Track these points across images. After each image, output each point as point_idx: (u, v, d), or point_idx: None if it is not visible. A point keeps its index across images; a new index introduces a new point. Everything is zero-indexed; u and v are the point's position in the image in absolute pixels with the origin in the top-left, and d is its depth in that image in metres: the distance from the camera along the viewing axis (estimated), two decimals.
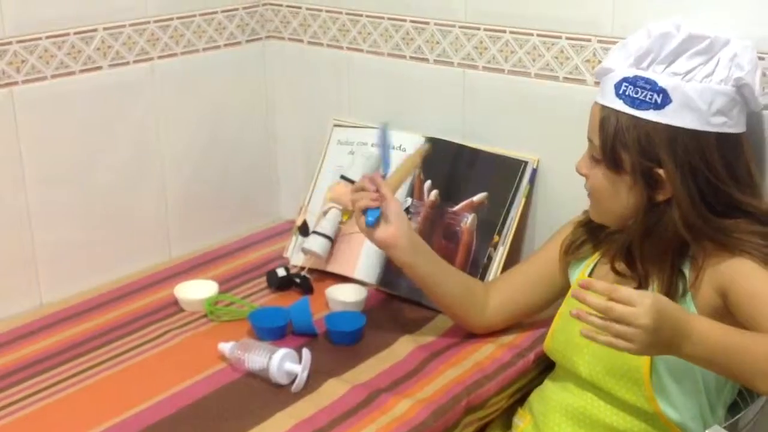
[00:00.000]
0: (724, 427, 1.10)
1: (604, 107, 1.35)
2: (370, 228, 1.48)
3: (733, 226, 1.29)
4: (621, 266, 1.37)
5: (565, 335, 1.45)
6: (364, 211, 1.48)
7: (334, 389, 1.41)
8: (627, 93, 1.31)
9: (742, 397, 1.37)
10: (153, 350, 1.55)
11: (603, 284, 1.16)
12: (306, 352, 1.44)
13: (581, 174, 1.41)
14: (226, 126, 2.04)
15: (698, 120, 1.29)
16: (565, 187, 1.64)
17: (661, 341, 1.12)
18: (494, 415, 1.50)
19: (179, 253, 1.96)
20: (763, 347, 1.15)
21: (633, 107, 1.31)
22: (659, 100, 1.29)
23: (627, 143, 1.31)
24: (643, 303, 1.11)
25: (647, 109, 1.30)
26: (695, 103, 1.28)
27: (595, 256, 1.48)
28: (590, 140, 1.38)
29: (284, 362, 1.42)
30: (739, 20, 1.40)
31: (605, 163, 1.34)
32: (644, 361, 1.32)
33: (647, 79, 1.31)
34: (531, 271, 1.56)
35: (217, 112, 2.01)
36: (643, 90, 1.30)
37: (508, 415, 1.54)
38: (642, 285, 1.35)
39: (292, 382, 1.42)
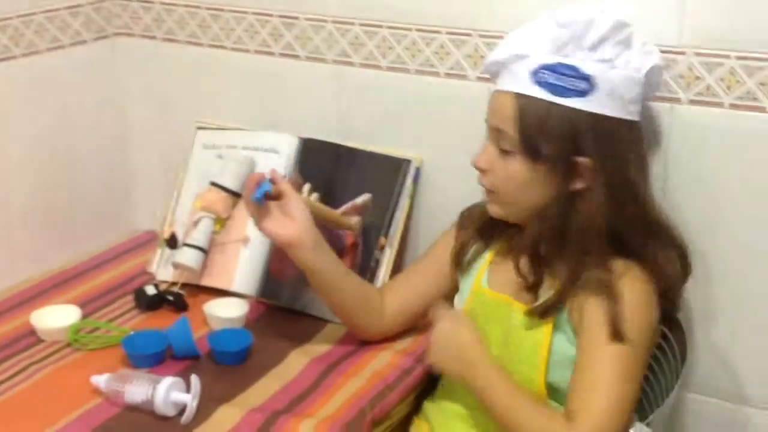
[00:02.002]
0: (646, 423, 1.09)
1: (519, 95, 1.27)
2: (257, 204, 1.36)
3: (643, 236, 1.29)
4: (525, 264, 1.33)
5: None
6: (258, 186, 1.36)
7: (227, 417, 1.30)
8: (547, 80, 1.26)
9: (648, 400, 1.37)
10: (14, 388, 1.38)
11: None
12: (195, 379, 1.32)
13: (481, 169, 1.33)
14: (75, 131, 1.87)
15: (619, 108, 1.27)
16: (451, 185, 1.60)
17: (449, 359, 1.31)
18: (393, 426, 1.43)
19: (27, 274, 1.77)
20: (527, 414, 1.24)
21: (555, 94, 1.26)
22: (583, 87, 1.26)
23: (549, 132, 1.26)
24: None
25: (570, 97, 1.26)
26: (618, 90, 1.26)
27: (488, 258, 1.43)
28: (499, 131, 1.29)
29: (171, 392, 1.30)
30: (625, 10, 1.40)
31: (524, 153, 1.28)
32: (540, 369, 1.30)
33: (571, 66, 1.26)
34: (424, 272, 1.51)
35: (64, 118, 1.84)
36: (565, 77, 1.26)
37: (402, 424, 1.48)
38: (535, 287, 1.33)
39: (180, 413, 1.30)
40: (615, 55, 1.28)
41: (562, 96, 1.26)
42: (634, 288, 1.26)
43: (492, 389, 1.27)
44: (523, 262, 1.33)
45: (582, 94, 1.26)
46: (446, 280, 1.49)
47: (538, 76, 1.27)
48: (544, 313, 1.29)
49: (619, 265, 1.27)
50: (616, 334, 1.22)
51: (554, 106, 1.26)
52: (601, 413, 1.19)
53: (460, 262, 1.45)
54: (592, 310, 1.25)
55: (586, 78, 1.26)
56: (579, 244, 1.27)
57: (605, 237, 1.27)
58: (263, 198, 1.36)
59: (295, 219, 1.37)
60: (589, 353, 1.24)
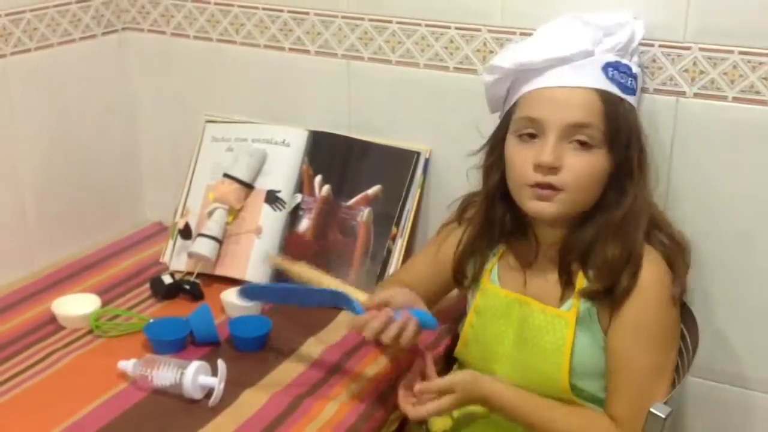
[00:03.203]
0: (665, 403, 1.15)
1: (600, 90, 1.28)
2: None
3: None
4: (573, 267, 1.33)
5: (480, 345, 1.43)
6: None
7: (254, 399, 1.34)
8: (615, 77, 1.30)
9: None
10: (41, 374, 1.41)
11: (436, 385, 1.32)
12: (221, 363, 1.36)
13: (553, 167, 1.26)
14: (85, 124, 1.89)
15: (637, 105, 1.35)
16: (458, 176, 1.64)
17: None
18: None
19: (43, 263, 1.80)
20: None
21: (622, 91, 1.30)
22: (633, 86, 1.33)
23: (624, 127, 1.29)
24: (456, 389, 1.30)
25: (630, 95, 1.32)
26: (639, 89, 1.34)
27: (498, 255, 1.43)
28: (582, 125, 1.26)
29: (198, 376, 1.34)
30: (629, 7, 1.45)
31: (606, 147, 1.27)
32: (564, 368, 1.32)
33: (626, 64, 1.32)
34: (429, 262, 1.51)
35: (75, 111, 1.86)
36: (625, 75, 1.31)
37: None
38: (568, 287, 1.34)
39: (207, 396, 1.34)
40: (639, 60, 1.37)
41: (625, 93, 1.31)
42: (663, 287, 1.29)
43: (524, 407, 1.31)
44: (574, 265, 1.33)
45: (633, 92, 1.33)
46: (449, 276, 1.48)
47: (608, 72, 1.30)
48: (590, 295, 1.31)
49: (650, 261, 1.30)
50: (654, 339, 1.27)
51: (623, 102, 1.30)
52: (644, 416, 1.22)
53: (462, 282, 1.46)
54: (627, 313, 1.28)
55: (635, 78, 1.33)
56: (627, 239, 1.29)
57: (643, 233, 1.30)
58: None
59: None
60: (629, 357, 1.27)
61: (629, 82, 1.32)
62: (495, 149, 1.38)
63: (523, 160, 1.30)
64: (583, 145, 1.27)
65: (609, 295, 1.29)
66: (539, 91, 1.30)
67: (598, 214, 1.31)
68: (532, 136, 1.29)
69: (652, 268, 1.29)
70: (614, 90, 1.30)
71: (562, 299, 1.34)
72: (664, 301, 1.29)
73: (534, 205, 1.30)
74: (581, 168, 1.27)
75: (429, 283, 1.50)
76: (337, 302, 1.39)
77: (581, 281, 1.32)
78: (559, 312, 1.33)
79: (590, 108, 1.28)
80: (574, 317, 1.31)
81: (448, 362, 1.52)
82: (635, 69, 1.34)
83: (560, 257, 1.34)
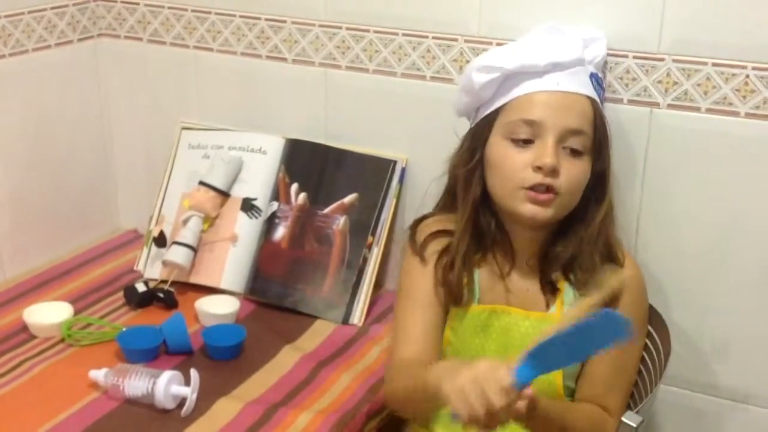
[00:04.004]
0: (636, 412, 1.15)
1: (590, 98, 1.31)
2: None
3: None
4: (555, 276, 1.35)
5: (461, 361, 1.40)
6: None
7: (227, 409, 1.34)
8: (596, 88, 1.34)
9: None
10: (12, 383, 1.40)
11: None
12: (194, 373, 1.35)
13: (555, 170, 1.26)
14: (59, 130, 1.87)
15: None
16: (435, 186, 1.64)
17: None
18: (388, 418, 1.47)
19: (15, 271, 1.78)
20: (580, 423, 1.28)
21: (600, 101, 1.35)
22: (602, 99, 1.37)
23: (606, 135, 1.33)
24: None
25: (603, 104, 1.37)
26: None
27: (475, 274, 1.38)
28: (576, 132, 1.28)
29: (171, 385, 1.33)
30: (597, 21, 1.46)
31: (592, 154, 1.30)
32: (556, 374, 1.33)
33: (600, 77, 1.37)
34: (431, 313, 1.38)
35: (49, 117, 1.85)
36: (599, 87, 1.36)
37: (396, 424, 1.50)
38: (552, 294, 1.35)
39: (179, 406, 1.33)
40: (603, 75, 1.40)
41: (601, 103, 1.35)
42: (641, 280, 1.35)
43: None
44: (556, 275, 1.34)
45: (602, 102, 1.37)
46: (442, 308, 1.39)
47: (593, 81, 1.33)
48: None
49: (627, 258, 1.36)
50: (640, 330, 1.33)
51: (601, 111, 1.34)
52: (625, 406, 1.29)
53: (461, 299, 1.36)
54: (616, 309, 1.28)
55: (604, 91, 1.38)
56: (606, 244, 1.33)
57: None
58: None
59: None
60: (622, 352, 1.28)
61: (602, 94, 1.37)
62: (475, 153, 1.35)
63: (518, 163, 1.28)
64: (574, 152, 1.28)
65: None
66: (536, 94, 1.29)
67: (576, 222, 1.33)
68: (527, 140, 1.28)
69: (630, 264, 1.36)
70: (595, 97, 1.34)
71: (548, 305, 1.35)
72: (644, 293, 1.36)
73: (529, 209, 1.28)
74: (575, 174, 1.28)
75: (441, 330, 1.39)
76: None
77: (562, 287, 1.34)
78: (545, 315, 1.34)
79: (585, 115, 1.30)
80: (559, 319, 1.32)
81: None
82: (603, 83, 1.40)
83: (541, 266, 1.35)
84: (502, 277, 1.37)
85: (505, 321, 1.36)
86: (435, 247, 1.38)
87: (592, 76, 1.34)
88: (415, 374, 1.24)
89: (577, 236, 1.32)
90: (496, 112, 1.33)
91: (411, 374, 1.27)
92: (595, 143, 1.30)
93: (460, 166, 1.37)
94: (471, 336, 1.37)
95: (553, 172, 1.26)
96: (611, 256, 1.33)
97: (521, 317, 1.35)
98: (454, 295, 1.35)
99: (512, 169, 1.28)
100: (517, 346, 1.34)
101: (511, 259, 1.37)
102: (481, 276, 1.38)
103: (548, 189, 1.27)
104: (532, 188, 1.27)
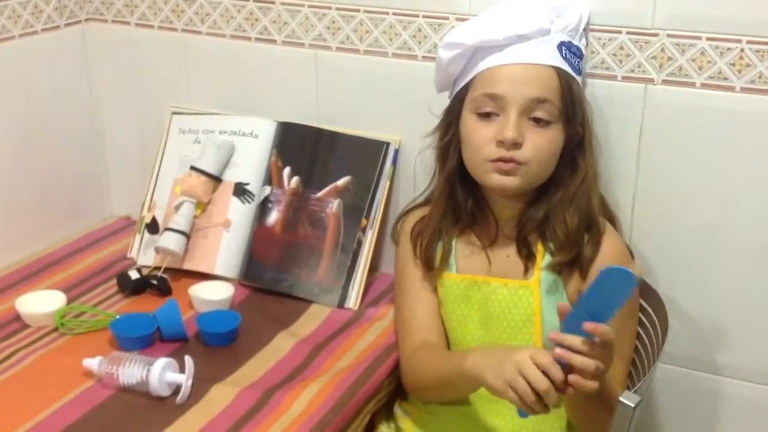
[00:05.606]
0: (634, 391, 1.14)
1: (557, 68, 1.32)
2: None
3: None
4: (529, 236, 1.36)
5: (446, 332, 1.44)
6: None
7: (222, 395, 1.32)
8: (567, 57, 1.33)
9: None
10: (5, 373, 1.38)
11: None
12: (189, 360, 1.34)
13: (516, 142, 1.29)
14: (48, 117, 1.85)
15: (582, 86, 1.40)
16: (428, 167, 1.63)
17: None
18: (381, 403, 1.47)
19: (5, 261, 1.76)
20: None
21: (573, 71, 1.34)
22: (580, 68, 1.37)
23: (577, 103, 1.34)
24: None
25: (578, 75, 1.36)
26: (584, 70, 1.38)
27: (453, 245, 1.42)
28: (541, 100, 1.29)
29: (165, 373, 1.32)
30: None
31: (562, 122, 1.32)
32: (536, 339, 1.35)
33: (577, 45, 1.36)
34: (431, 301, 1.45)
35: (37, 104, 1.82)
36: (575, 56, 1.35)
37: (386, 406, 1.49)
38: (529, 260, 1.37)
39: (174, 393, 1.32)
40: (584, 44, 1.40)
41: (575, 73, 1.35)
42: (624, 254, 1.36)
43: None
44: (532, 238, 1.36)
45: (580, 73, 1.36)
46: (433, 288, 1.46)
47: (562, 51, 1.33)
48: (556, 267, 1.34)
49: (608, 231, 1.36)
50: (630, 311, 1.32)
51: (575, 80, 1.34)
52: (627, 375, 1.35)
53: (431, 265, 1.43)
54: None
55: (581, 58, 1.36)
56: (583, 210, 1.34)
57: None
58: None
59: None
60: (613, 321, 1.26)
61: (577, 63, 1.36)
62: (450, 128, 1.40)
63: (483, 137, 1.32)
64: (540, 121, 1.30)
65: (574, 266, 1.33)
66: (498, 68, 1.32)
67: (552, 188, 1.35)
68: (491, 114, 1.32)
69: (611, 238, 1.36)
70: (567, 68, 1.33)
71: (526, 273, 1.37)
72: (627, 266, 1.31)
73: (496, 179, 1.32)
74: (541, 143, 1.30)
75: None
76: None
77: (541, 253, 1.36)
78: (522, 282, 1.36)
79: (548, 84, 1.31)
80: (537, 284, 1.34)
81: None
82: (583, 50, 1.39)
83: (517, 231, 1.38)
84: (484, 248, 1.40)
85: (485, 291, 1.39)
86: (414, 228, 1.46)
87: (562, 44, 1.33)
88: (441, 362, 1.32)
89: (551, 199, 1.35)
90: (466, 87, 1.37)
91: (435, 362, 1.33)
92: (564, 111, 1.31)
93: (437, 141, 1.43)
94: (453, 305, 1.41)
95: (515, 145, 1.29)
96: (591, 225, 1.34)
97: (500, 285, 1.37)
98: (423, 260, 1.42)
99: (478, 143, 1.32)
100: (496, 315, 1.38)
101: (495, 230, 1.39)
102: (459, 246, 1.43)
103: (512, 160, 1.30)
104: (498, 160, 1.31)
